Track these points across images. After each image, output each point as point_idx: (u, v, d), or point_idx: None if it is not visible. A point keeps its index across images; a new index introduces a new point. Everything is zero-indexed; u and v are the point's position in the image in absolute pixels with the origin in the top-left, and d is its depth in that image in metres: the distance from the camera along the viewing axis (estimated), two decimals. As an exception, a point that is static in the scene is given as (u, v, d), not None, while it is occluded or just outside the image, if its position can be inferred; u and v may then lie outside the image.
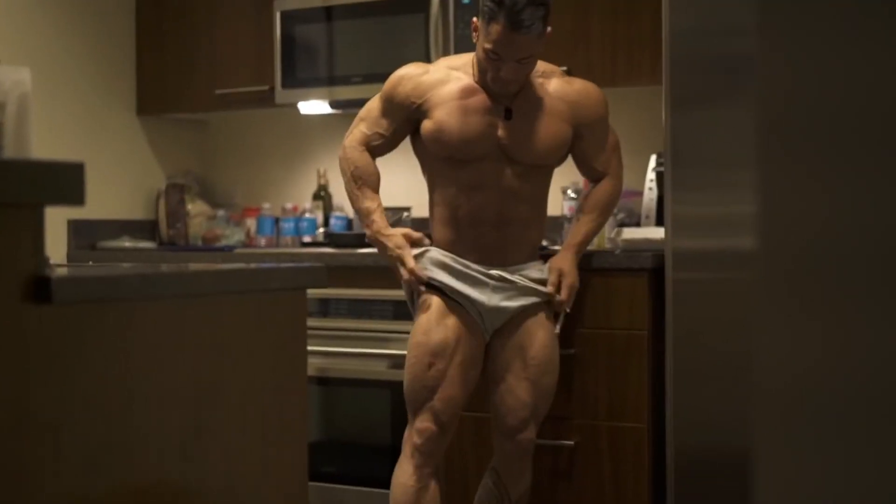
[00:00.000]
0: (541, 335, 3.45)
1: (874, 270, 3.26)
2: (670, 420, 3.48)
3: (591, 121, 3.52)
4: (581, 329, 3.76)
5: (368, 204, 3.54)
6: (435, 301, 3.45)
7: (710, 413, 3.44)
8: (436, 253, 3.49)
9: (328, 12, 4.60)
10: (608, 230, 4.03)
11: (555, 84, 3.49)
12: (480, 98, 3.42)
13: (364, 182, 3.55)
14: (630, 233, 3.85)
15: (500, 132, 3.41)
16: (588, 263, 3.73)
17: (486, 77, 3.37)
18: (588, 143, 3.54)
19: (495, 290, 3.44)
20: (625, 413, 3.71)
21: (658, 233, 3.68)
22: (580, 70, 4.09)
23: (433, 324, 3.42)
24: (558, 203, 4.35)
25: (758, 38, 3.38)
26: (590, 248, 3.97)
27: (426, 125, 3.45)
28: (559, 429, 3.79)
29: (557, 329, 3.53)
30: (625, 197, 4.27)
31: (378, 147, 3.58)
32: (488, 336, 3.48)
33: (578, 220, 3.63)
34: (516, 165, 3.43)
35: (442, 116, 3.42)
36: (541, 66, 3.49)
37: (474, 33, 3.37)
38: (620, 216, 4.22)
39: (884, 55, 3.23)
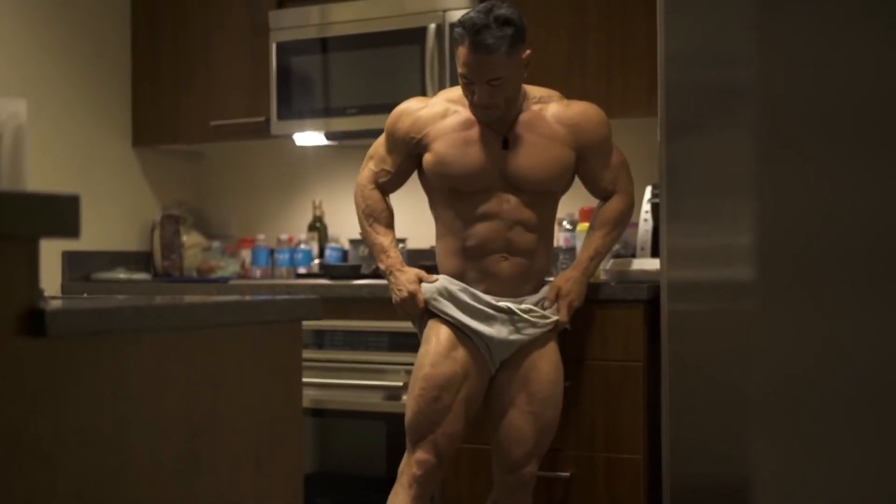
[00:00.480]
0: (546, 369, 3.44)
1: (870, 299, 3.25)
2: (666, 451, 3.47)
3: (593, 142, 3.51)
4: (577, 360, 3.76)
5: (381, 240, 3.56)
6: (444, 332, 3.43)
7: (706, 444, 3.43)
8: (445, 282, 3.47)
9: (324, 44, 4.61)
10: (603, 262, 4.02)
11: (553, 108, 3.50)
12: (478, 129, 3.44)
13: (375, 219, 3.58)
14: (626, 264, 3.85)
15: (501, 162, 3.42)
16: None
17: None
18: (593, 164, 3.54)
19: (504, 322, 3.43)
20: (621, 444, 3.70)
21: (654, 264, 3.68)
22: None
23: (441, 356, 3.40)
24: (554, 234, 4.34)
25: (754, 66, 3.39)
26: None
27: (427, 159, 3.47)
28: (555, 460, 3.78)
29: (556, 353, 3.51)
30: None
31: (387, 183, 3.60)
32: (494, 369, 3.47)
33: (589, 236, 3.61)
34: (521, 194, 3.44)
35: (442, 149, 3.44)
36: (538, 91, 3.51)
37: (458, 61, 3.39)
38: (616, 247, 4.22)
39: (879, 75, 3.24)
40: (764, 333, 3.36)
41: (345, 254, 4.93)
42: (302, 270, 4.87)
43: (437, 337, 3.43)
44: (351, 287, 4.15)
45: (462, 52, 3.31)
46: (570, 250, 4.11)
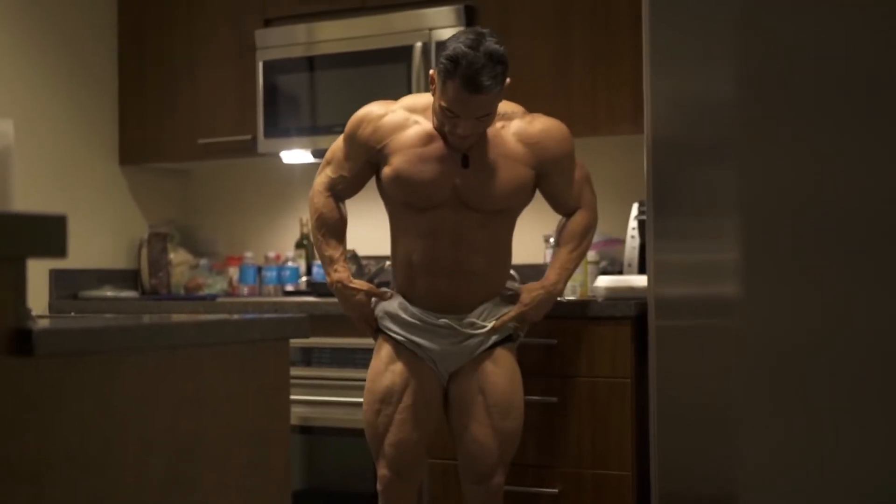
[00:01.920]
0: (500, 380, 3.43)
1: (859, 321, 3.26)
2: (655, 467, 3.47)
3: (554, 160, 3.46)
4: (564, 377, 3.76)
5: (331, 252, 3.54)
6: (385, 348, 3.48)
7: (695, 460, 3.43)
8: (387, 303, 3.50)
9: (310, 62, 4.62)
10: (590, 279, 4.03)
11: (515, 126, 3.44)
12: (438, 145, 3.39)
13: (328, 230, 3.55)
14: (613, 281, 3.86)
15: (458, 180, 3.38)
16: (571, 311, 3.74)
17: (444, 129, 3.34)
18: (556, 182, 3.50)
19: (444, 335, 3.43)
20: (609, 461, 3.71)
21: (641, 281, 3.69)
22: (561, 120, 4.10)
23: (379, 371, 3.46)
24: (540, 251, 4.36)
25: (738, 84, 3.41)
26: (573, 297, 3.97)
27: (385, 171, 3.43)
28: (543, 477, 3.78)
29: (513, 362, 3.48)
30: (607, 245, 4.28)
31: (343, 190, 3.57)
32: (444, 380, 3.47)
33: (556, 253, 3.56)
34: (474, 213, 3.39)
35: (400, 163, 3.39)
36: (501, 107, 3.40)
37: (431, 86, 3.32)
38: (603, 264, 4.23)
39: (867, 96, 3.26)
40: (751, 349, 3.37)
41: (332, 271, 4.92)
42: (289, 288, 4.87)
43: (378, 353, 3.50)
44: (338, 304, 4.14)
45: (452, 87, 3.20)
46: (557, 267, 4.11)
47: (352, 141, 3.50)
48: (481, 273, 3.43)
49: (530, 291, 3.47)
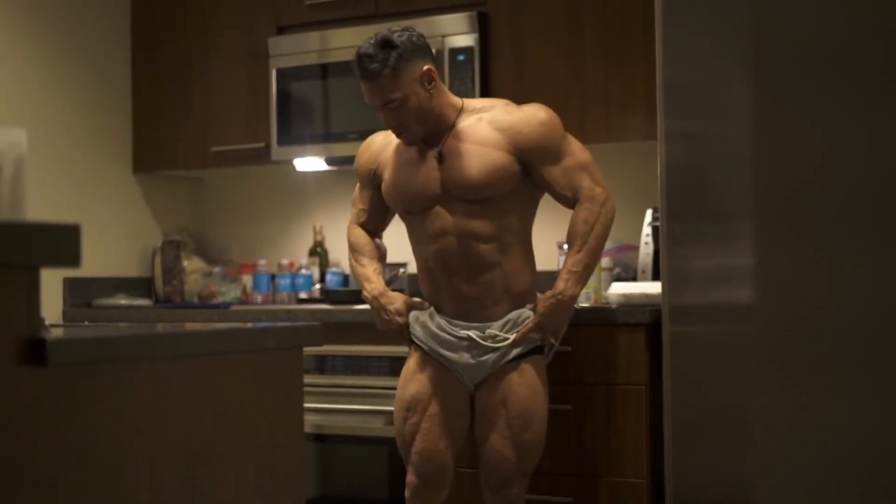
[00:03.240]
0: (521, 390, 3.43)
1: (871, 322, 3.25)
2: (669, 474, 3.46)
3: (533, 145, 3.42)
4: (579, 384, 3.75)
5: (364, 269, 3.62)
6: (414, 356, 3.53)
7: (710, 467, 3.42)
8: (419, 313, 3.54)
9: (323, 69, 4.63)
10: (604, 285, 4.02)
11: (491, 115, 3.46)
12: (415, 149, 3.49)
13: (359, 251, 3.65)
14: (627, 287, 3.85)
15: (439, 175, 3.43)
16: (585, 318, 3.73)
17: None
18: (541, 168, 3.44)
19: (467, 348, 3.45)
20: (624, 468, 3.70)
21: (655, 287, 3.68)
22: (574, 126, 4.10)
23: (407, 379, 3.51)
24: (553, 257, 4.35)
25: (751, 88, 3.40)
26: (587, 304, 3.96)
27: (383, 188, 3.57)
28: (558, 485, 3.77)
29: (548, 358, 3.50)
30: (621, 251, 4.27)
31: (367, 222, 3.69)
32: (471, 389, 3.48)
33: (565, 260, 3.50)
34: (464, 204, 3.41)
35: (390, 175, 3.53)
36: (479, 103, 3.52)
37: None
38: (617, 271, 4.22)
39: (879, 102, 3.25)
40: (766, 355, 3.35)
41: (346, 278, 4.93)
42: (303, 295, 4.87)
43: (407, 361, 3.55)
44: (352, 312, 4.15)
45: (360, 82, 3.41)
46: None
47: (357, 173, 3.69)
48: (497, 268, 3.43)
49: (543, 301, 3.45)
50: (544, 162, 3.44)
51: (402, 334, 3.55)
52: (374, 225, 3.68)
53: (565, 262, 3.48)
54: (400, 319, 3.52)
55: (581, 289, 3.46)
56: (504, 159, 3.40)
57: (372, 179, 3.62)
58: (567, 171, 3.45)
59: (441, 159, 3.43)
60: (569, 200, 3.48)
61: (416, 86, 3.36)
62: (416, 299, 3.59)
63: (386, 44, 3.34)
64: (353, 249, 3.67)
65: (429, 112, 3.40)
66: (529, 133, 3.42)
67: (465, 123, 3.45)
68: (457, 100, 3.51)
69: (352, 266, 3.68)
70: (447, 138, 3.44)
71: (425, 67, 3.38)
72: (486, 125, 3.43)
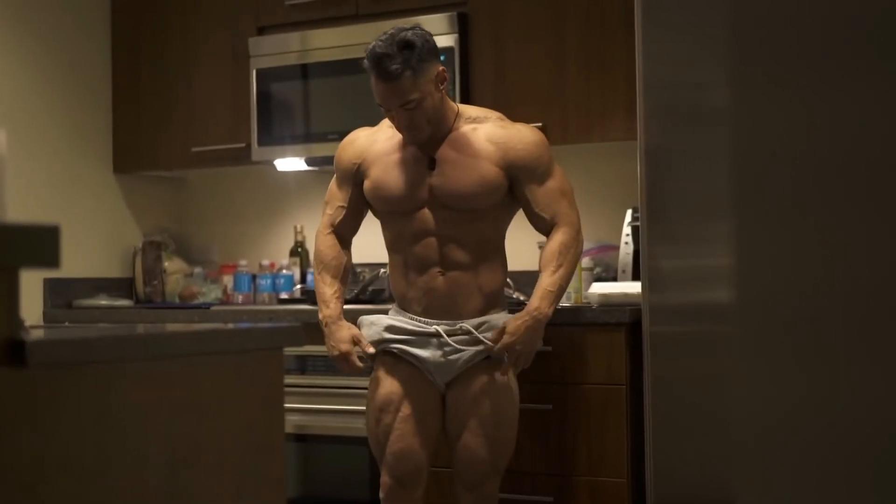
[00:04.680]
0: (492, 388, 3.44)
1: (849, 321, 3.27)
2: (650, 474, 3.47)
3: (523, 162, 3.45)
4: (559, 384, 3.76)
5: (325, 290, 3.58)
6: (384, 359, 3.52)
7: (690, 466, 3.44)
8: (384, 318, 3.54)
9: (304, 70, 4.62)
10: (585, 285, 4.03)
11: (486, 128, 3.49)
12: (409, 151, 3.47)
13: (325, 267, 3.60)
14: (607, 287, 3.86)
15: (429, 180, 3.44)
16: (565, 318, 3.74)
17: None
18: (524, 186, 3.47)
19: (437, 346, 3.46)
20: (604, 467, 3.71)
21: (635, 287, 3.69)
22: (555, 126, 4.12)
23: (379, 380, 3.50)
24: (533, 258, 4.34)
25: (731, 89, 3.41)
26: (567, 303, 3.97)
27: (366, 185, 3.53)
28: (537, 484, 3.78)
29: (505, 377, 3.45)
30: (601, 251, 4.28)
31: (343, 221, 3.62)
32: (442, 388, 3.49)
33: (538, 280, 3.49)
34: (449, 211, 3.44)
35: (377, 174, 3.50)
36: (474, 111, 3.53)
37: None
38: (597, 270, 4.23)
39: (857, 103, 3.26)
40: (745, 355, 3.37)
41: (327, 279, 4.92)
42: (284, 296, 4.87)
43: (377, 364, 3.54)
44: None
45: (372, 81, 3.36)
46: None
47: (338, 168, 3.62)
48: (471, 270, 3.46)
49: (515, 320, 3.42)
50: (530, 180, 3.47)
51: (346, 363, 3.52)
52: (350, 226, 3.64)
53: (539, 281, 3.47)
54: (343, 346, 3.50)
55: (554, 309, 3.45)
56: (494, 173, 3.43)
57: (354, 175, 3.56)
58: (549, 193, 3.48)
59: (433, 165, 3.45)
60: (543, 221, 3.51)
61: (431, 87, 3.37)
62: (367, 343, 3.52)
63: (405, 44, 3.31)
64: (320, 261, 3.61)
65: (440, 113, 3.42)
66: (521, 150, 3.45)
67: (462, 131, 3.46)
68: (453, 104, 3.53)
69: (315, 279, 3.64)
70: (442, 144, 3.45)
71: (440, 68, 3.39)
72: (481, 136, 3.46)
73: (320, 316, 3.57)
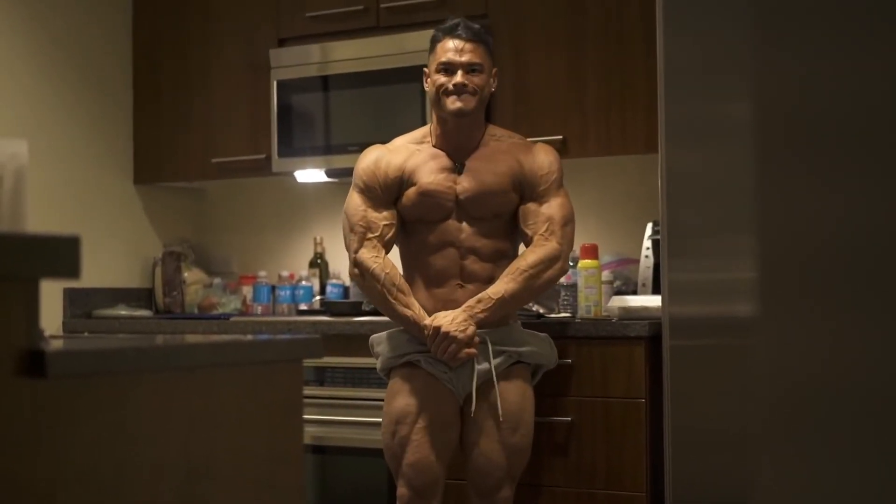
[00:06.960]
0: (510, 395, 3.47)
1: (872, 337, 3.25)
2: (669, 488, 3.46)
3: (531, 177, 3.53)
4: (578, 397, 3.75)
5: (410, 312, 3.49)
6: (402, 371, 3.52)
7: (709, 480, 3.42)
8: (397, 331, 3.56)
9: (324, 81, 4.63)
10: (605, 299, 4.02)
11: (510, 142, 3.61)
12: (443, 159, 3.56)
13: (399, 288, 3.51)
14: (627, 301, 3.85)
15: (458, 187, 3.52)
16: (585, 331, 3.73)
17: (442, 111, 3.52)
18: (526, 202, 3.54)
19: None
20: (623, 481, 3.69)
21: (655, 300, 3.68)
22: (575, 139, 4.11)
23: (396, 392, 3.51)
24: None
25: (752, 102, 3.40)
26: (587, 315, 3.94)
27: (410, 192, 3.54)
28: (557, 498, 3.76)
29: (526, 385, 3.52)
30: (621, 264, 4.27)
31: (393, 237, 3.58)
32: (461, 399, 3.49)
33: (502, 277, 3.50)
34: (472, 221, 3.51)
35: (423, 178, 3.53)
36: (499, 131, 3.65)
37: (427, 80, 3.59)
38: (617, 284, 4.22)
39: (885, 116, 3.25)
40: (766, 368, 3.35)
41: (346, 290, 4.92)
42: (303, 307, 4.87)
43: (394, 375, 3.55)
44: (352, 324, 4.15)
45: (442, 46, 3.54)
46: (572, 286, 4.10)
47: (376, 186, 3.56)
48: (488, 280, 3.50)
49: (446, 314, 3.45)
50: (531, 197, 3.54)
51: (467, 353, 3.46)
52: (394, 241, 3.61)
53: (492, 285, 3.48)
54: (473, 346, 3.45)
55: (486, 317, 3.45)
56: (509, 184, 3.53)
57: (399, 186, 3.56)
58: (542, 213, 3.53)
59: (460, 171, 3.54)
60: (525, 237, 3.56)
61: (489, 73, 3.56)
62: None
63: (474, 23, 3.59)
64: (392, 284, 3.49)
65: (485, 104, 3.59)
66: (536, 163, 3.55)
67: (488, 146, 3.57)
68: (483, 121, 3.64)
69: (387, 305, 3.51)
70: (471, 155, 3.55)
71: (495, 69, 3.62)
72: (505, 149, 3.57)
73: (428, 333, 3.44)
